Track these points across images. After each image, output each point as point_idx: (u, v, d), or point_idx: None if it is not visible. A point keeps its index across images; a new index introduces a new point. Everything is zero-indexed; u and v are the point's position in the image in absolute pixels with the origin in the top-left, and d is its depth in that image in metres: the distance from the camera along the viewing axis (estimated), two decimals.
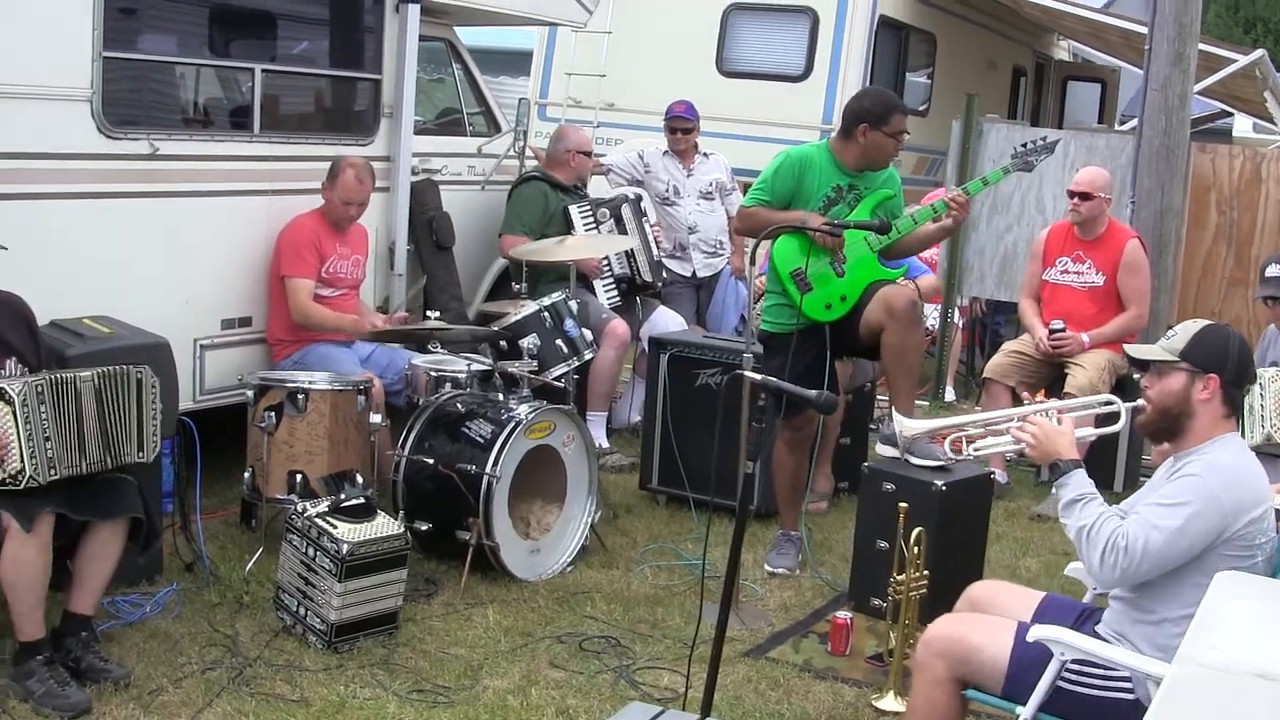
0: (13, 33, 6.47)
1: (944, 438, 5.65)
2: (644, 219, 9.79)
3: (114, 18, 6.91)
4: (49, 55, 6.66)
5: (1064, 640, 4.41)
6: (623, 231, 9.51)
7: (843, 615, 6.36)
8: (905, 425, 5.91)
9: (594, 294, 9.42)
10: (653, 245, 9.79)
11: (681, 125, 10.25)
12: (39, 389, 5.30)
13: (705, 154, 10.44)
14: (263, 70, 7.77)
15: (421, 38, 8.62)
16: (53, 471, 5.31)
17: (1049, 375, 8.96)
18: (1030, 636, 4.49)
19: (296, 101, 8.53)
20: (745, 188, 7.51)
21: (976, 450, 5.43)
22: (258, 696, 5.48)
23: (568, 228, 9.27)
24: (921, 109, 14.75)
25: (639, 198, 9.97)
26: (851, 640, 6.30)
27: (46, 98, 6.63)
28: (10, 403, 5.21)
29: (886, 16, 13.67)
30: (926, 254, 10.76)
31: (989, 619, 4.80)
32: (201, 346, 7.58)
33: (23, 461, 5.23)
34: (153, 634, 6.02)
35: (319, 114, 8.80)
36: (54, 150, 6.74)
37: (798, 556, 7.35)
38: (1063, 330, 8.85)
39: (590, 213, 9.49)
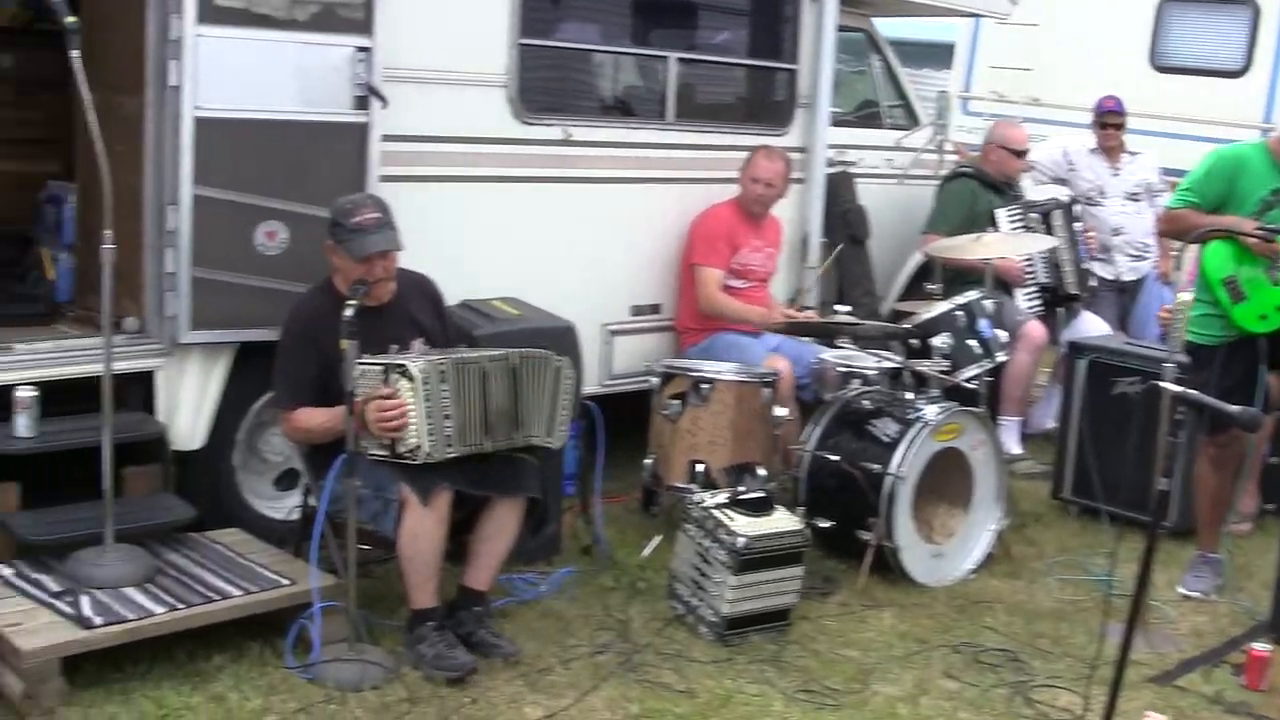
0: (433, 19, 6.61)
1: None
2: (1075, 225, 9.44)
3: (531, 5, 7.03)
4: (467, 41, 6.81)
5: None
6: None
7: (1261, 647, 5.93)
8: None
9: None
10: (1083, 254, 9.44)
11: (1113, 120, 9.85)
12: (441, 368, 5.37)
13: (1133, 153, 10.01)
14: (678, 59, 7.78)
15: (840, 28, 8.50)
16: (449, 449, 5.37)
17: None
18: None
19: (711, 90, 8.50)
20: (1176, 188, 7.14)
21: None
22: (644, 684, 5.44)
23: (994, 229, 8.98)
24: None
25: (1072, 201, 9.60)
26: (1270, 675, 5.89)
27: (464, 83, 6.77)
28: (412, 379, 5.29)
29: None
30: None
31: None
32: (610, 332, 7.63)
33: (420, 438, 5.30)
34: (545, 613, 6.07)
35: (734, 103, 8.77)
36: (470, 135, 6.87)
37: (1215, 580, 6.94)
38: None
39: (1020, 216, 9.18)
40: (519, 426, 5.59)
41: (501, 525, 5.64)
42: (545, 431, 5.69)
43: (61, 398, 5.93)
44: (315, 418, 5.56)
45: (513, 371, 5.54)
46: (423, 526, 5.34)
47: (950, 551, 6.86)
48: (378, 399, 5.30)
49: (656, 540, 6.75)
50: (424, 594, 5.47)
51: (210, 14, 5.85)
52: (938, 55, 17.11)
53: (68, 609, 5.17)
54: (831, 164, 8.78)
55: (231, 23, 5.91)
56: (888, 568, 6.60)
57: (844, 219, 8.92)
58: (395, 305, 5.75)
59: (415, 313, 5.84)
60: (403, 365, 5.33)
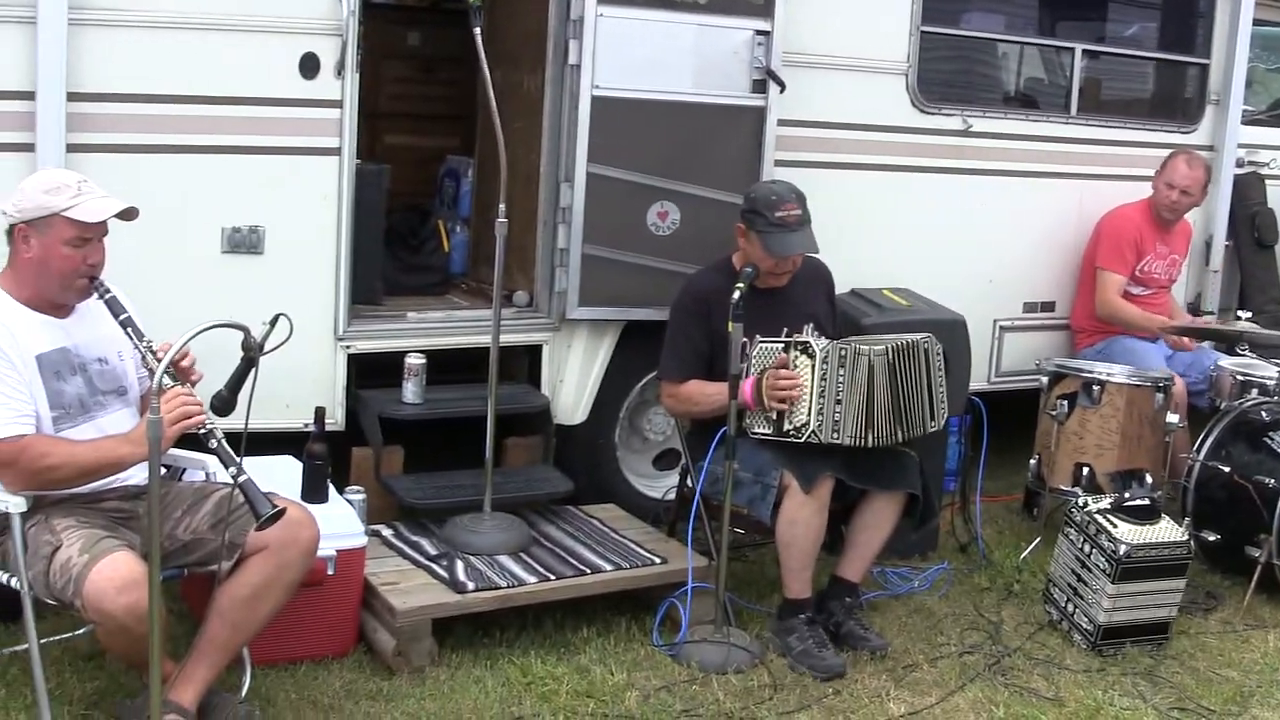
0: (833, 4, 6.61)
1: None
2: None
3: None
4: (867, 28, 6.79)
5: None
6: None
7: None
8: None
9: None
10: None
11: None
12: (841, 352, 5.32)
13: None
14: (1083, 50, 7.59)
15: (1257, 22, 8.17)
16: (835, 435, 5.31)
17: None
18: None
19: (1117, 85, 8.25)
20: None
21: None
22: (1011, 688, 5.31)
23: None
24: None
25: None
26: None
27: (862, 70, 6.74)
28: (813, 357, 5.28)
29: None
30: None
31: None
32: (1001, 328, 7.50)
33: (809, 416, 5.27)
34: (917, 609, 5.99)
35: (1140, 98, 8.51)
36: (867, 122, 6.83)
37: None
38: None
39: None
40: (902, 424, 5.46)
41: (880, 518, 5.58)
42: (928, 418, 5.57)
43: (450, 367, 6.10)
44: (704, 390, 5.57)
45: (891, 366, 5.41)
46: (802, 513, 5.31)
47: None
48: (775, 369, 5.31)
49: (1035, 543, 6.59)
50: (798, 582, 5.44)
51: None
52: None
53: (443, 572, 5.33)
54: (1241, 164, 8.43)
55: (632, 3, 6.00)
56: (1276, 587, 6.28)
57: (1251, 222, 8.58)
58: (790, 290, 5.72)
59: (809, 299, 5.81)
60: (805, 343, 5.34)
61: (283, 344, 4.09)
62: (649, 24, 6.07)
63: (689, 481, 5.80)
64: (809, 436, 5.29)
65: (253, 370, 4.09)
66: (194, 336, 3.80)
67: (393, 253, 6.62)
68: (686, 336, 5.64)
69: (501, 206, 5.47)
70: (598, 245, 6.12)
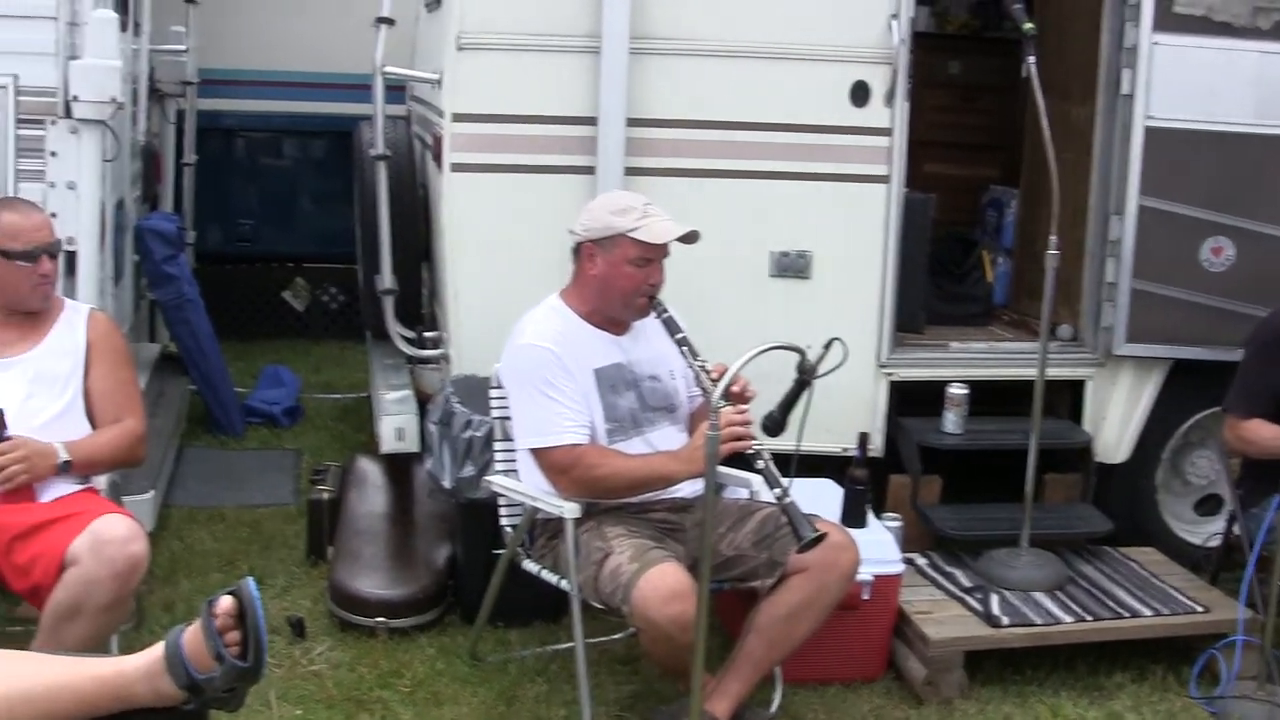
0: None
1: None
2: None
3: None
4: None
5: None
6: None
7: None
8: None
9: None
10: None
11: None
12: None
13: None
14: None
15: None
16: None
17: None
18: None
19: None
20: None
21: None
22: None
23: None
24: None
25: None
26: None
27: None
28: None
29: None
30: None
31: None
32: None
33: None
34: None
35: None
36: None
37: None
38: None
39: None
40: None
41: None
42: None
43: (977, 398, 6.03)
44: (1261, 432, 5.32)
45: None
46: None
47: None
48: None
49: None
50: None
51: (1168, 21, 5.79)
52: None
53: (977, 605, 5.26)
54: None
55: (1189, 30, 5.81)
56: None
57: None
58: None
59: None
60: None
61: (837, 368, 4.14)
62: (1206, 51, 5.85)
63: (1235, 529, 5.57)
64: None
65: (805, 393, 4.15)
66: (753, 358, 3.87)
67: (935, 281, 6.61)
68: (1260, 372, 5.38)
69: (1053, 238, 5.35)
70: (1147, 280, 5.95)
